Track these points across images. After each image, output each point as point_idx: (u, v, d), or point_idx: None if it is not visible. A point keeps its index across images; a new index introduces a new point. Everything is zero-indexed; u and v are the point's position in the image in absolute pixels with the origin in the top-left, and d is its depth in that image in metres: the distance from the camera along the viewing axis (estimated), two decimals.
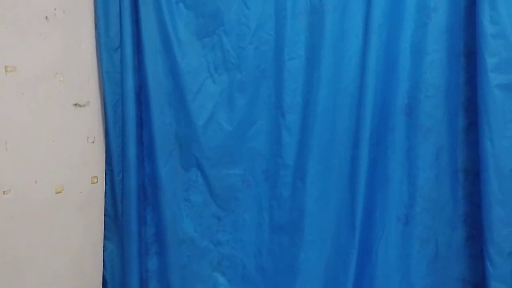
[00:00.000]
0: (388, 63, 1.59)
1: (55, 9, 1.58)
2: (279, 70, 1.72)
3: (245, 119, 1.79)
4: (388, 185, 1.65)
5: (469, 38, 1.52)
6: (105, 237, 1.90)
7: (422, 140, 1.60)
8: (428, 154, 1.60)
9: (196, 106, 1.79)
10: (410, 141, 1.62)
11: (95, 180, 1.82)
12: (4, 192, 1.42)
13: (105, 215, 1.89)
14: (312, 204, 1.70)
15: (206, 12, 1.75)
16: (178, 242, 1.85)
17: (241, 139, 1.80)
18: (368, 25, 1.57)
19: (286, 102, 1.72)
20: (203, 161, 1.82)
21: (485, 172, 1.44)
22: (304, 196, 1.70)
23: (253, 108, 1.78)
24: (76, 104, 1.70)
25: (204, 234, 1.86)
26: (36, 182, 1.53)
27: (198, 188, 1.86)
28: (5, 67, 1.41)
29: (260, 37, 1.72)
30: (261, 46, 1.73)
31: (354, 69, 1.63)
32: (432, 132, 1.59)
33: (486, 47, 1.42)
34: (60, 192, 1.63)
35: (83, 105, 1.73)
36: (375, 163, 1.63)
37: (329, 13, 1.62)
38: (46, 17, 1.54)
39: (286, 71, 1.70)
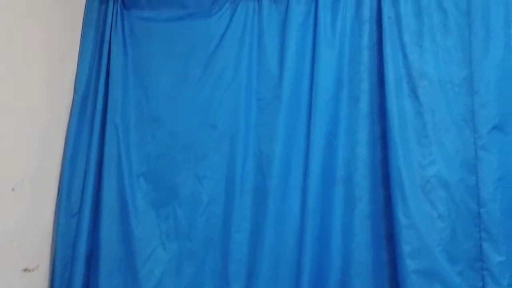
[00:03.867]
0: (322, 241, 1.79)
1: (22, 180, 1.70)
2: (226, 241, 1.87)
3: (191, 286, 1.87)
4: None
5: (388, 224, 1.78)
6: None
7: None
8: None
9: (145, 272, 1.86)
10: None
11: None
12: None
13: None
14: None
15: (164, 186, 1.94)
16: None
17: None
18: (304, 208, 1.81)
19: (231, 271, 1.84)
20: None
21: None
22: None
23: (200, 276, 1.87)
24: (25, 269, 1.72)
25: None
26: None
27: None
28: None
29: (211, 211, 1.91)
30: (211, 218, 1.90)
31: (293, 244, 1.81)
32: None
33: (401, 236, 1.68)
34: None
35: (32, 270, 1.76)
36: None
37: (271, 195, 1.85)
38: (13, 189, 1.66)
39: (232, 242, 1.86)
